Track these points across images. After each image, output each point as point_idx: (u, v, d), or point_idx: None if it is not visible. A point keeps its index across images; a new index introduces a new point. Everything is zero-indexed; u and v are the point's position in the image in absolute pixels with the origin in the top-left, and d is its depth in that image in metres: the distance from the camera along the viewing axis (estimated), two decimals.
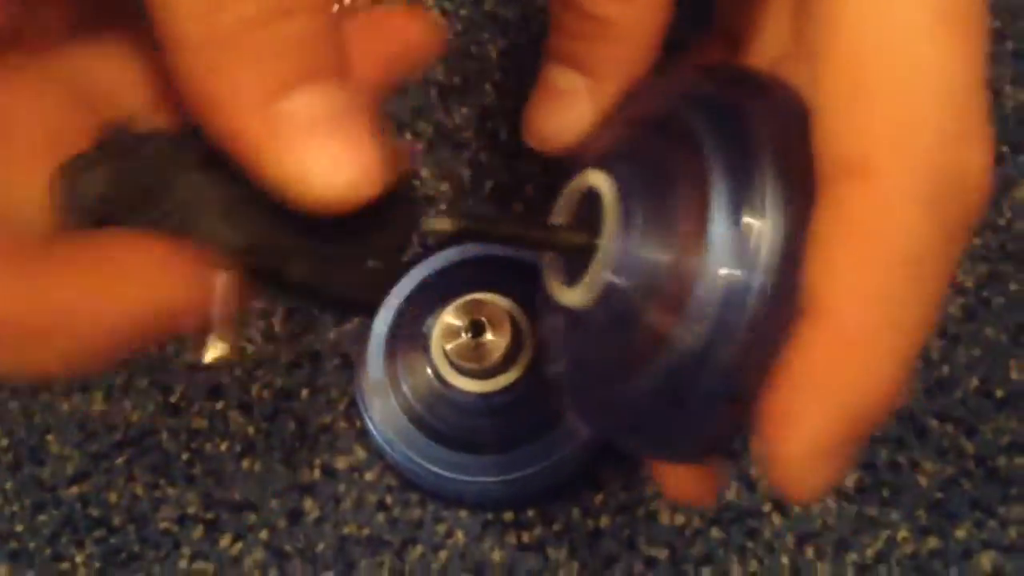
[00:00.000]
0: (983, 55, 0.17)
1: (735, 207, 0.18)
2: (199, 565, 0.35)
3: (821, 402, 0.18)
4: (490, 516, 0.34)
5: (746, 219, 0.17)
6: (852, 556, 0.36)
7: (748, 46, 0.22)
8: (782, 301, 0.17)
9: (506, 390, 0.31)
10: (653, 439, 0.20)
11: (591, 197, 0.20)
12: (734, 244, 0.17)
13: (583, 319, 0.20)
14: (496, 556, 0.35)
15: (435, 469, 0.31)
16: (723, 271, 0.17)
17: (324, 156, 0.17)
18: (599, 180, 0.20)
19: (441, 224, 0.19)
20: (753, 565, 0.36)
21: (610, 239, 0.19)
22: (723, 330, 0.18)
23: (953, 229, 0.18)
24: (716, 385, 0.18)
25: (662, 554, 0.35)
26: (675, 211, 0.19)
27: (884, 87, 0.17)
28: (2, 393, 0.39)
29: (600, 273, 0.19)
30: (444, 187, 0.37)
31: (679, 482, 0.24)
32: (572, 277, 0.20)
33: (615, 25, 0.21)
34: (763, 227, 0.17)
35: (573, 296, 0.20)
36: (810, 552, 0.37)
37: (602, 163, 0.20)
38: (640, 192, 0.19)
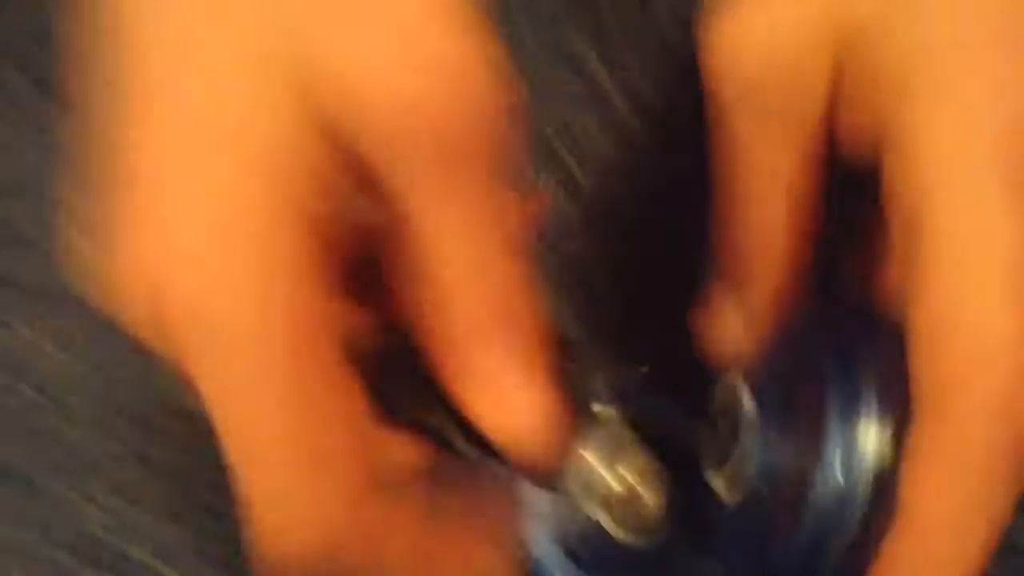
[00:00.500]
0: None
1: (843, 430, 0.23)
2: None
3: None
4: None
5: (851, 437, 0.23)
6: None
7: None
8: (880, 507, 0.22)
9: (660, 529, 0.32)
10: None
11: (733, 403, 0.25)
12: (843, 459, 0.23)
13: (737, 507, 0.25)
14: None
15: None
16: (832, 480, 0.23)
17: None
18: (743, 393, 0.25)
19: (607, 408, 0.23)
20: None
21: (750, 444, 0.24)
22: (831, 530, 0.23)
23: None
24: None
25: None
26: (800, 428, 0.24)
27: (960, 339, 0.20)
28: None
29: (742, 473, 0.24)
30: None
31: None
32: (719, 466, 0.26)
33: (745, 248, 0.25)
34: (864, 446, 0.23)
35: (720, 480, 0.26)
36: None
37: (748, 376, 0.25)
38: (774, 408, 0.24)
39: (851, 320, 0.25)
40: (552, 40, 0.34)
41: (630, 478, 0.26)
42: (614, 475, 0.24)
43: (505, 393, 0.20)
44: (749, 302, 0.26)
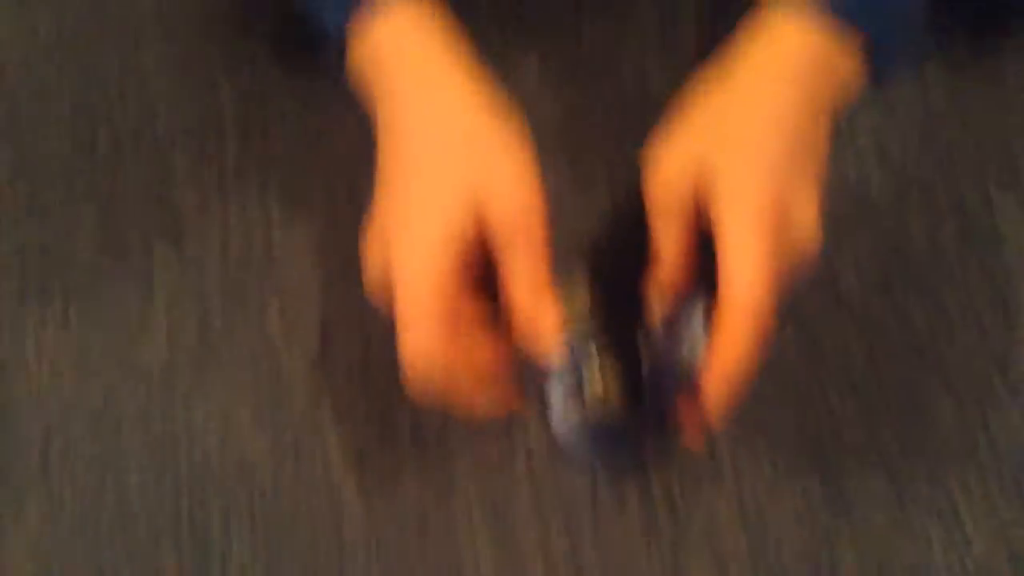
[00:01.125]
0: None
1: (690, 328, 0.49)
2: None
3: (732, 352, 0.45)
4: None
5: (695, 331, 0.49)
6: None
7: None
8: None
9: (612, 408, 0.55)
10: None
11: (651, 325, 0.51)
12: (689, 341, 0.49)
13: (650, 373, 0.51)
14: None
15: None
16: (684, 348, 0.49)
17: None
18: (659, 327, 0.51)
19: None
20: None
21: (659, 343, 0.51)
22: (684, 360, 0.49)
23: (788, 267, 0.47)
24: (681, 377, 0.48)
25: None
26: (676, 331, 0.50)
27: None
28: None
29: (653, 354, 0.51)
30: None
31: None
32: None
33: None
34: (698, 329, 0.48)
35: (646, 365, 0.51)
36: None
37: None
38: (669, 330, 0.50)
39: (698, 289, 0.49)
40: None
41: (598, 373, 0.53)
42: (590, 370, 0.52)
43: (539, 330, 0.47)
44: (663, 286, 0.51)
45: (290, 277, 0.59)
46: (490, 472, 0.55)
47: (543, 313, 0.46)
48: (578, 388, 0.54)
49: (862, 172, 0.60)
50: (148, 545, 0.54)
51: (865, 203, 0.60)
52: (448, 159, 0.46)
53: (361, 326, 0.57)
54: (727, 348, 0.44)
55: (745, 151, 0.46)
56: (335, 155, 0.62)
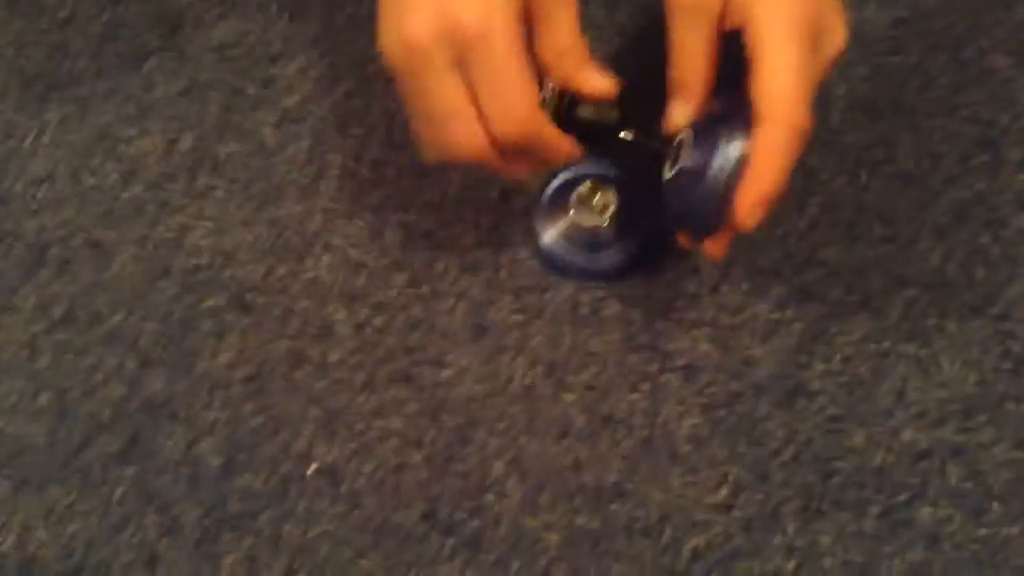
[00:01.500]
0: None
1: (724, 144, 0.45)
2: None
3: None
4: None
5: (727, 147, 0.45)
6: None
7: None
8: (740, 173, 0.45)
9: (604, 224, 0.58)
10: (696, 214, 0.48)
11: (681, 135, 0.49)
12: (722, 155, 0.45)
13: (673, 180, 0.48)
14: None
15: (573, 260, 0.57)
16: (718, 161, 0.46)
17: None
18: (686, 133, 0.48)
19: (628, 135, 0.50)
20: None
21: (687, 152, 0.48)
22: (719, 174, 0.45)
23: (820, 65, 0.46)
24: (716, 191, 0.46)
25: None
26: (706, 144, 0.46)
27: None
28: None
29: (681, 163, 0.48)
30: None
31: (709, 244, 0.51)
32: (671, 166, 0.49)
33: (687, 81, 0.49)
34: (733, 151, 0.45)
35: (669, 172, 0.49)
36: None
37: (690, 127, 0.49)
38: (699, 139, 0.47)
39: (730, 100, 0.46)
40: None
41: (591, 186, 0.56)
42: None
43: (592, 75, 0.47)
44: (685, 98, 0.49)
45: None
46: (475, 276, 0.56)
47: (580, 48, 0.46)
48: (573, 199, 0.56)
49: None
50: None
51: (861, 36, 0.61)
52: None
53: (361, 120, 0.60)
54: (766, 162, 0.44)
55: None
56: None
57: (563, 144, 0.47)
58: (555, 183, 0.57)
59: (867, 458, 0.52)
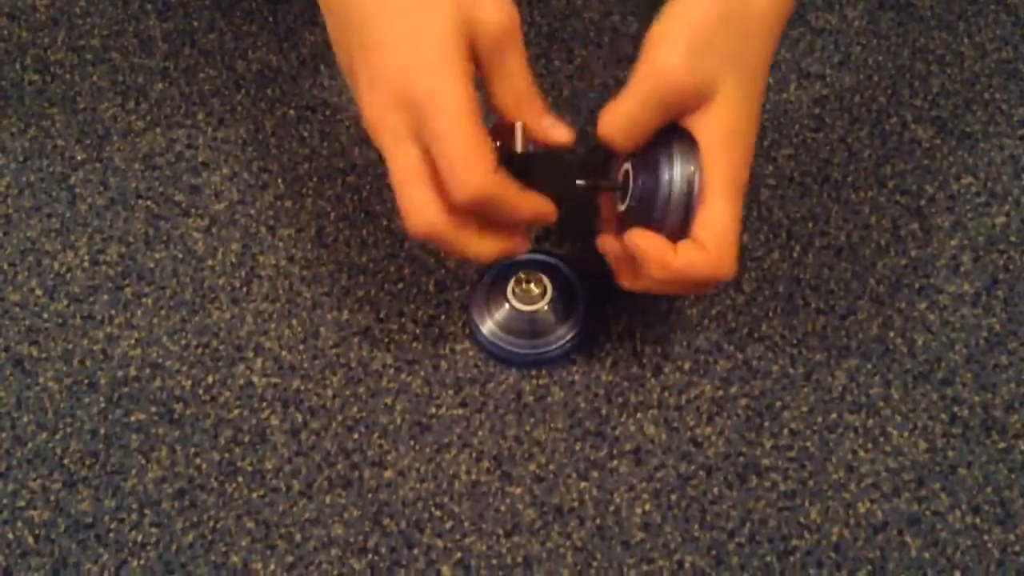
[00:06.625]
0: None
1: (670, 169, 0.47)
2: None
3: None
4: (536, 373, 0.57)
5: (672, 173, 0.47)
6: None
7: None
8: (685, 201, 0.47)
9: (542, 309, 0.58)
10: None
11: (626, 171, 0.50)
12: (669, 179, 0.47)
13: (627, 210, 0.49)
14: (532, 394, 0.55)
15: (514, 348, 0.57)
16: (664, 193, 0.47)
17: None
18: (628, 165, 0.50)
19: (582, 182, 0.50)
20: None
21: (633, 185, 0.49)
22: (667, 207, 0.47)
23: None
24: (674, 217, 0.47)
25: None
26: (652, 172, 0.48)
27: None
28: None
29: (630, 198, 0.49)
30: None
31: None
32: (622, 200, 0.50)
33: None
34: (677, 174, 0.47)
35: (622, 207, 0.50)
36: None
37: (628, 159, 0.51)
38: (641, 171, 0.49)
39: (677, 136, 0.47)
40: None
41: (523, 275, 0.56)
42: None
43: (551, 124, 0.47)
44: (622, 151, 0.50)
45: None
46: (414, 372, 0.55)
47: (534, 92, 0.46)
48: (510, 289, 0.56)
49: (781, 84, 0.63)
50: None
51: (785, 115, 0.62)
52: None
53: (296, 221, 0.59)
54: (689, 268, 0.46)
55: (752, 77, 0.47)
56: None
57: (527, 200, 0.46)
58: (491, 272, 0.57)
59: (824, 533, 0.51)
